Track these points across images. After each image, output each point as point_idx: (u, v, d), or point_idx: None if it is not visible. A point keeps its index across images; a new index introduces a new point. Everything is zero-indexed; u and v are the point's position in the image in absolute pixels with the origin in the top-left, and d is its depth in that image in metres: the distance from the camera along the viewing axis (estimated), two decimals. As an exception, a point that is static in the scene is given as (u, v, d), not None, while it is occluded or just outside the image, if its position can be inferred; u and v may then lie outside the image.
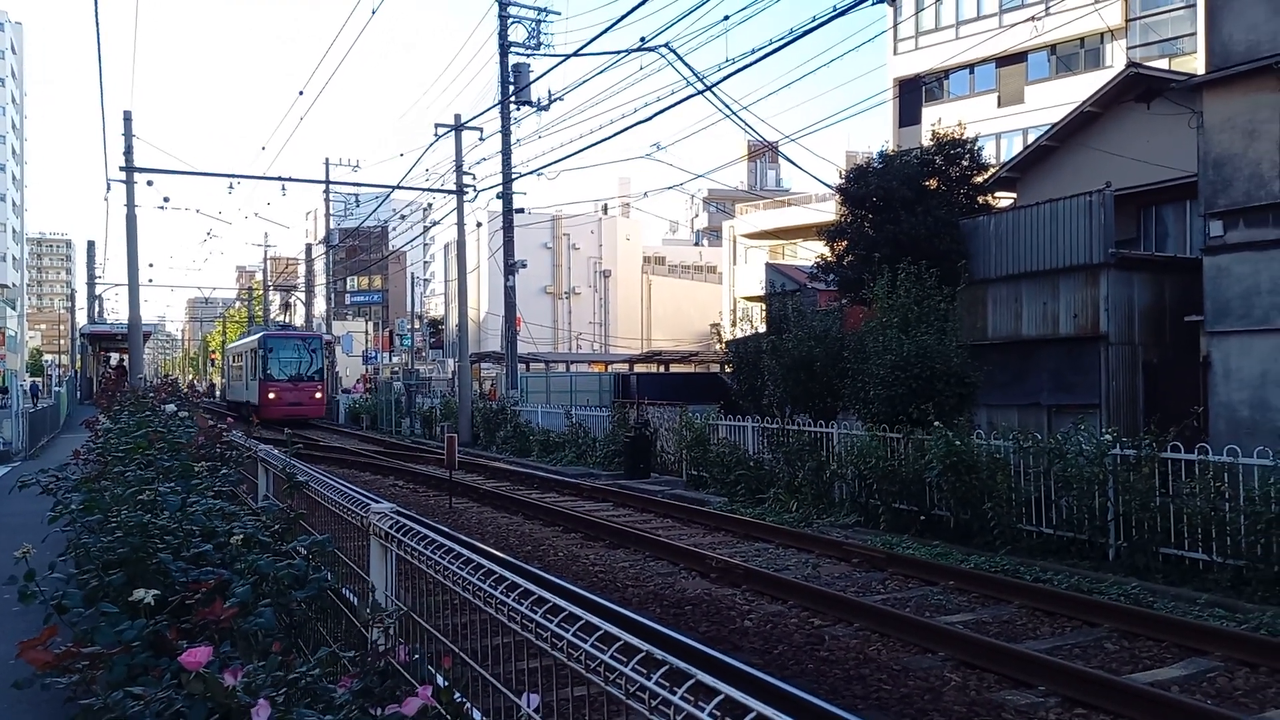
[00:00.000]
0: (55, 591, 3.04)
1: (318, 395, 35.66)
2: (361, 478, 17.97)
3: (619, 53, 18.31)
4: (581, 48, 22.06)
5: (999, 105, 34.40)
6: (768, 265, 34.74)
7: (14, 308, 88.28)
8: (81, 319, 63.10)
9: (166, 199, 37.71)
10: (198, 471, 4.90)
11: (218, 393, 74.73)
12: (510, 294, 27.34)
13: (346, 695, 2.18)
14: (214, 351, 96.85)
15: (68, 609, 2.95)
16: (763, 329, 19.88)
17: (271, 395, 34.04)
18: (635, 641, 1.74)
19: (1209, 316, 13.61)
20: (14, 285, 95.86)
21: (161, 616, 2.74)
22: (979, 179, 19.94)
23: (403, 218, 43.02)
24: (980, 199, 19.95)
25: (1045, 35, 29.59)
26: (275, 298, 74.83)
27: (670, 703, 1.54)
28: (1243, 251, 13.20)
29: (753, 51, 14.88)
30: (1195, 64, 24.46)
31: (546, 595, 2.01)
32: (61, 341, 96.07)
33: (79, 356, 55.57)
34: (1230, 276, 13.33)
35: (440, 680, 2.45)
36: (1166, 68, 24.97)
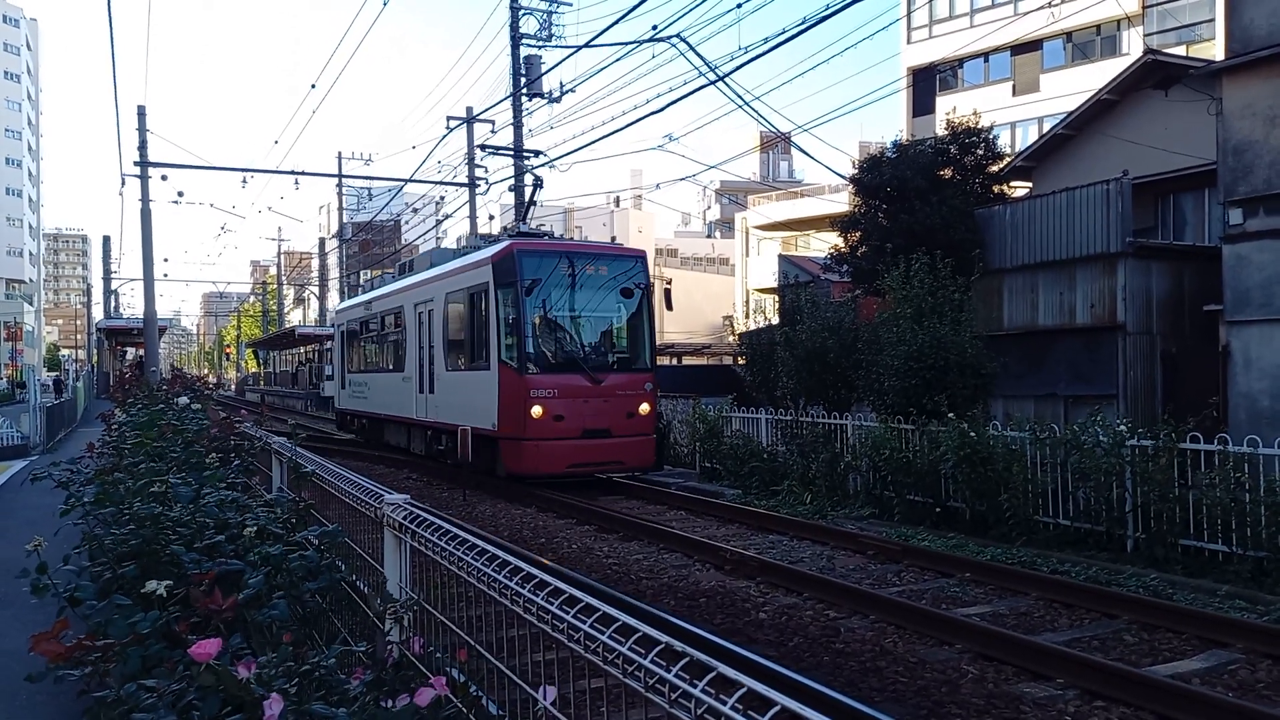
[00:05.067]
0: (68, 584, 3.04)
1: (644, 408, 14.36)
2: (375, 471, 18.00)
3: (631, 43, 18.21)
4: (593, 39, 21.90)
5: (1014, 94, 34.11)
6: (781, 257, 34.62)
7: (31, 303, 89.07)
8: (98, 314, 63.57)
9: (181, 193, 37.86)
10: (210, 463, 4.89)
11: (234, 387, 75.12)
12: (523, 287, 27.18)
13: (360, 687, 2.16)
14: (228, 345, 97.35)
15: (81, 601, 2.94)
16: (776, 321, 19.80)
17: (538, 410, 13.46)
18: (654, 633, 1.71)
19: (1228, 306, 13.45)
20: (31, 281, 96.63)
21: (174, 608, 2.73)
22: (994, 168, 19.77)
23: (415, 211, 43.08)
24: (995, 188, 19.78)
25: (1061, 22, 29.29)
26: (289, 292, 75.17)
27: (691, 695, 1.50)
28: (1263, 240, 13.04)
29: (765, 41, 14.75)
30: (1213, 50, 24.19)
31: (562, 586, 1.98)
32: (78, 336, 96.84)
33: (96, 351, 55.95)
34: (1250, 265, 13.16)
35: (456, 674, 2.42)
36: (1184, 54, 24.69)
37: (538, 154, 17.91)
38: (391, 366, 19.60)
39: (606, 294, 14.52)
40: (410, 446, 18.62)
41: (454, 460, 15.53)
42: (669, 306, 15.02)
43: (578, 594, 1.93)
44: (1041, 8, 26.39)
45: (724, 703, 1.46)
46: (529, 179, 16.56)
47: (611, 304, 14.67)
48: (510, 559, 2.27)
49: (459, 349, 15.70)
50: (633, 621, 1.77)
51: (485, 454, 14.57)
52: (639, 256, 15.27)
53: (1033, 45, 32.99)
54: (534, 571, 2.13)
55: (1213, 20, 27.14)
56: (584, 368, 13.90)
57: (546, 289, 13.90)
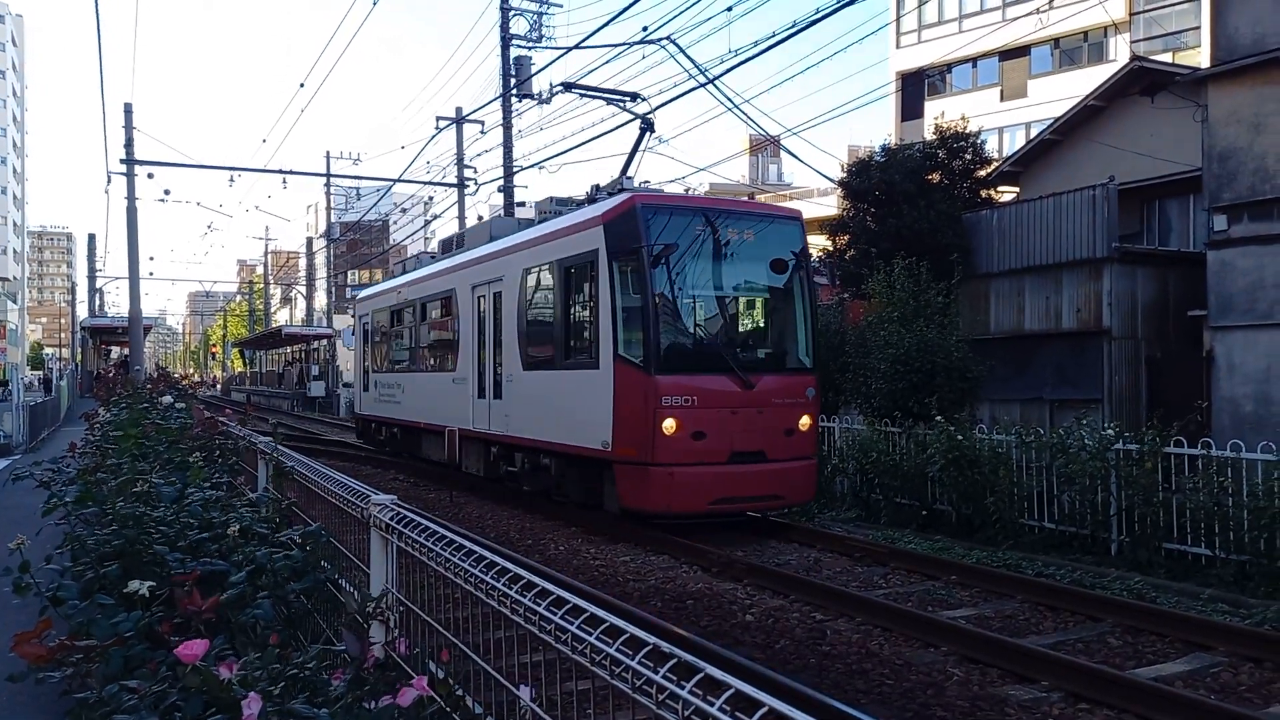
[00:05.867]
0: (51, 584, 3.01)
1: (805, 422, 10.72)
2: (362, 471, 17.93)
3: (621, 45, 18.23)
4: (584, 40, 21.92)
5: (1002, 99, 34.31)
6: (769, 259, 34.61)
7: (15, 301, 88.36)
8: (82, 312, 63.16)
9: (167, 192, 37.73)
10: (194, 462, 4.86)
11: (220, 387, 74.68)
12: (511, 287, 27.06)
13: (342, 687, 2.15)
14: (214, 345, 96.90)
15: (63, 601, 2.92)
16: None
17: (672, 424, 9.89)
18: (642, 634, 1.71)
19: (1212, 311, 13.56)
20: (15, 278, 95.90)
21: (157, 608, 2.71)
22: (982, 173, 19.88)
23: (404, 211, 42.96)
24: (983, 193, 19.89)
25: (1048, 29, 29.49)
26: (276, 291, 74.86)
27: (679, 697, 1.49)
28: (1247, 246, 13.15)
29: (755, 44, 14.81)
30: (1199, 58, 24.40)
31: (550, 587, 1.97)
32: (62, 335, 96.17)
33: (80, 350, 55.61)
34: (1234, 271, 13.27)
35: (439, 673, 2.41)
36: (1170, 61, 24.88)
37: (636, 97, 14.08)
38: (435, 365, 16.28)
39: (758, 266, 11.03)
40: (462, 464, 14.87)
41: (534, 486, 12.76)
42: (835, 283, 12.41)
43: (565, 595, 1.92)
44: (1030, 14, 26.58)
45: (711, 704, 1.45)
46: (637, 124, 12.81)
47: (764, 280, 11.16)
48: (498, 560, 2.26)
49: (546, 341, 12.05)
50: (620, 622, 1.77)
51: (583, 480, 11.40)
52: (796, 218, 11.51)
53: (1021, 51, 33.20)
54: (521, 573, 2.12)
55: (1198, 28, 27.37)
56: (733, 367, 10.32)
57: (682, 258, 10.36)
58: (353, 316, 23.58)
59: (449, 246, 17.17)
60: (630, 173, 12.35)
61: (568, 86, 14.92)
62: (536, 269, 12.28)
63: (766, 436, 10.33)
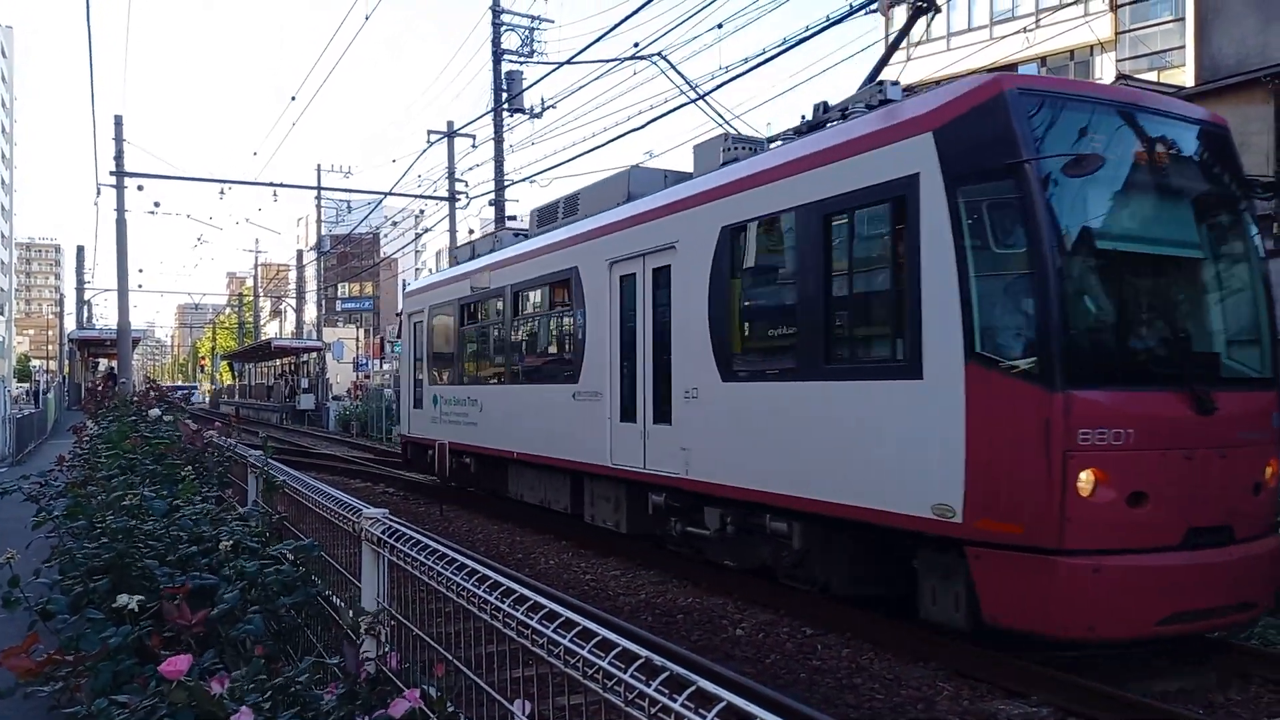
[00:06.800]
0: (40, 598, 3.00)
1: (1270, 471, 6.20)
2: (352, 484, 17.87)
3: (612, 61, 18.34)
4: (575, 55, 21.98)
5: (990, 116, 34.57)
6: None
7: (2, 313, 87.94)
8: (70, 324, 62.93)
9: (157, 204, 37.60)
10: (183, 476, 4.85)
11: (205, 398, 74.32)
12: (502, 301, 27.00)
13: (333, 701, 2.15)
14: (203, 357, 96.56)
15: (53, 615, 2.91)
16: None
17: (1090, 478, 5.53)
18: (634, 647, 1.71)
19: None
20: (2, 290, 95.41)
21: (146, 622, 2.70)
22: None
23: (394, 224, 42.97)
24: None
25: (1036, 47, 29.79)
26: (266, 304, 74.74)
27: (671, 709, 1.50)
28: (1233, 262, 13.30)
29: (745, 61, 14.91)
30: (1184, 77, 24.67)
31: (542, 601, 1.98)
32: (50, 347, 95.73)
33: (67, 362, 55.35)
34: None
35: (432, 691, 2.41)
36: (1156, 80, 25.16)
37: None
38: (540, 374, 12.21)
39: (1194, 204, 6.70)
40: (593, 514, 11.02)
41: (743, 563, 8.73)
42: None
43: (557, 609, 1.93)
44: (1017, 33, 26.86)
45: (703, 716, 1.46)
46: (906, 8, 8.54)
47: (1207, 228, 6.80)
48: (490, 574, 2.26)
49: (782, 334, 7.98)
50: (612, 636, 1.77)
51: (875, 565, 7.52)
52: (1224, 127, 6.94)
53: (1008, 69, 33.51)
54: (514, 586, 2.13)
55: (1183, 48, 27.69)
56: (1186, 378, 6.07)
57: (1090, 187, 6.13)
58: (398, 316, 20.08)
59: (551, 215, 12.88)
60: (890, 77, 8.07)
61: None
62: (758, 221, 8.16)
63: (1231, 497, 6.09)
